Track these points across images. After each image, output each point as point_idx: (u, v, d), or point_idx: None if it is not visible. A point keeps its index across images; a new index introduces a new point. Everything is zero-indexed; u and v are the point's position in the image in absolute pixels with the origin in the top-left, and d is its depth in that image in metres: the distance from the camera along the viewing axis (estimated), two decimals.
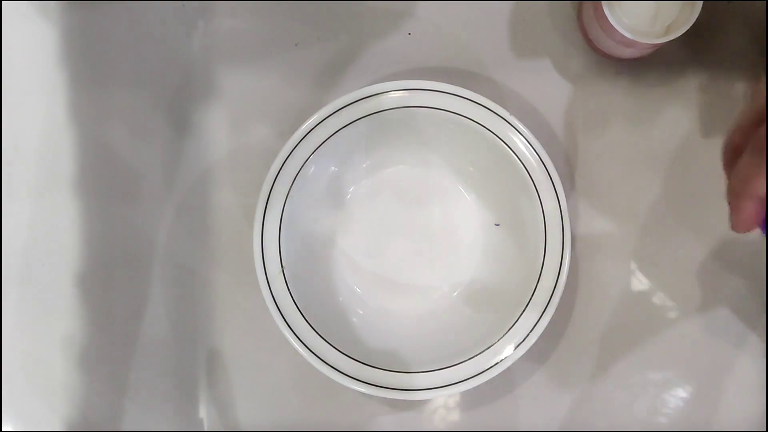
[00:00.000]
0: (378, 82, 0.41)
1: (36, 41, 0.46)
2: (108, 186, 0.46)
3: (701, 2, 0.39)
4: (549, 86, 0.45)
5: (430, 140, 0.44)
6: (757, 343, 0.44)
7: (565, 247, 0.40)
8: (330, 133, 0.41)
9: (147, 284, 0.45)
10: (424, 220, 0.45)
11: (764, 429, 0.43)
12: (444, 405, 0.44)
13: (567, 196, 0.41)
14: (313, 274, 0.43)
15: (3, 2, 0.46)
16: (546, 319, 0.40)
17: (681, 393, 0.44)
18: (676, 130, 0.45)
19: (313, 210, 0.44)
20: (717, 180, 0.45)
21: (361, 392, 0.40)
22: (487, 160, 0.43)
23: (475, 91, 0.41)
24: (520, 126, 0.41)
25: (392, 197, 0.45)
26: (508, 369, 0.40)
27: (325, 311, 0.42)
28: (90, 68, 0.46)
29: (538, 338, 0.40)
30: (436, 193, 0.45)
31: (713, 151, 0.45)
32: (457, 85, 0.41)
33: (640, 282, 0.44)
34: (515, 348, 0.40)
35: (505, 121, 0.41)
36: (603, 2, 0.39)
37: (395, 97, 0.41)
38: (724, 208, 0.44)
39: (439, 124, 0.42)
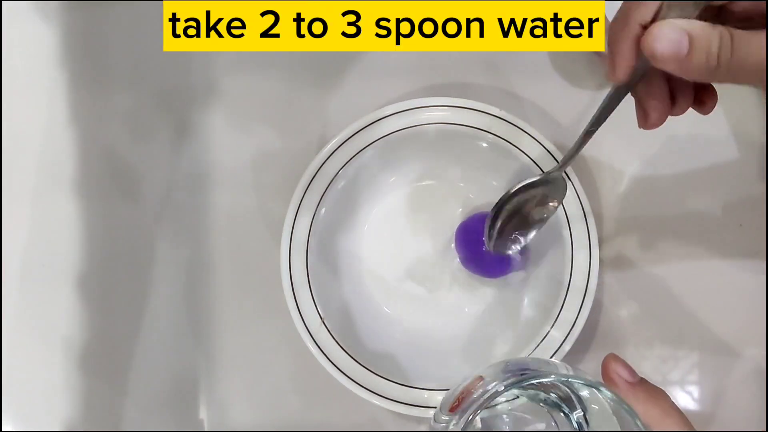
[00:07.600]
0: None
1: (36, 41, 0.46)
2: (108, 186, 0.46)
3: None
4: (548, 87, 0.45)
5: (457, 156, 0.43)
6: (757, 342, 0.44)
7: (592, 268, 0.40)
8: (360, 147, 0.41)
9: (147, 284, 0.45)
10: (450, 236, 0.44)
11: (764, 429, 0.43)
12: None
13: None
14: (338, 289, 0.43)
15: (3, 2, 0.46)
16: (571, 340, 0.40)
17: (681, 393, 0.44)
18: (677, 130, 0.45)
19: (340, 224, 0.43)
20: (718, 179, 0.45)
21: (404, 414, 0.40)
22: (516, 178, 0.42)
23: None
24: (556, 151, 0.41)
25: (419, 213, 0.44)
26: None
27: (360, 333, 0.42)
28: (90, 68, 0.46)
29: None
30: (462, 208, 0.44)
31: (714, 151, 0.45)
32: (473, 99, 0.41)
33: (639, 281, 0.44)
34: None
35: (541, 146, 0.41)
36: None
37: (431, 115, 0.41)
38: (724, 208, 0.44)
39: (470, 142, 0.42)
